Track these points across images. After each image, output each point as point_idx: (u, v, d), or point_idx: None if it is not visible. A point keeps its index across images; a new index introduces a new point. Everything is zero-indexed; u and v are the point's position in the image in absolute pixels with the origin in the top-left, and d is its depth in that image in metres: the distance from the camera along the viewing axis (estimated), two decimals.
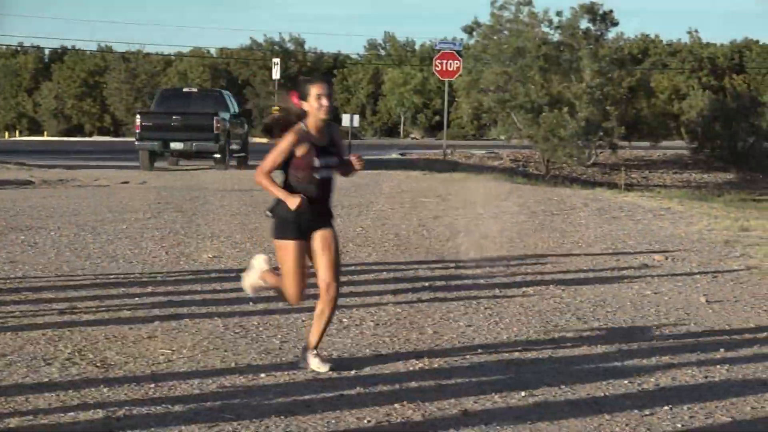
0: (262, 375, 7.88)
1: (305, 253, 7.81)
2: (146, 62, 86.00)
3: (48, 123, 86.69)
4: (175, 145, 35.23)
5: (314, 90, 7.61)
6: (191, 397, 7.28)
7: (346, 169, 8.19)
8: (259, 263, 8.36)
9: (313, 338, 7.93)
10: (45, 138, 73.69)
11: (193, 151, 35.69)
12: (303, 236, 7.75)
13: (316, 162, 7.60)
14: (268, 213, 7.97)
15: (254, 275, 8.34)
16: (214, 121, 35.40)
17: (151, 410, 6.95)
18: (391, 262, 13.54)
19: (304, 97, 7.67)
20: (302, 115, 7.70)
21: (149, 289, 11.31)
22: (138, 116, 36.26)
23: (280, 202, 7.69)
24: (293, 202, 7.47)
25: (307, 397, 7.31)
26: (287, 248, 7.74)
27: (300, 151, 7.53)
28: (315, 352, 7.88)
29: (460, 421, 6.82)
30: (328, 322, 8.07)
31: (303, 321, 9.69)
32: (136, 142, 35.54)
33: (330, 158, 7.75)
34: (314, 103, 7.58)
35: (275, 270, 8.34)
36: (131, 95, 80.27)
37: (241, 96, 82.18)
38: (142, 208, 19.65)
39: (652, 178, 42.97)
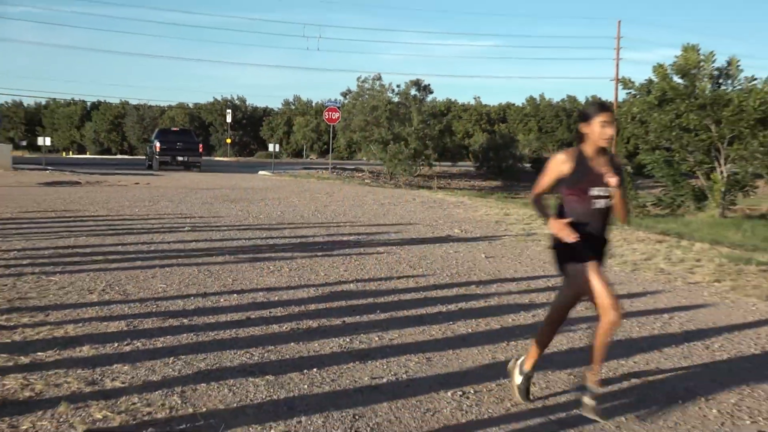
0: (222, 300, 7.78)
1: None
2: (149, 110, 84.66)
3: (89, 147, 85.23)
4: (180, 159, 38.25)
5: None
6: (179, 312, 7.17)
7: None
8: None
9: None
10: (87, 156, 71.99)
11: (190, 162, 38.40)
12: None
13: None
14: None
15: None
16: (200, 147, 40.20)
17: (154, 320, 6.86)
18: (300, 234, 13.45)
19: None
20: None
21: (152, 248, 11.08)
22: (158, 142, 38.48)
23: None
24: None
25: (249, 312, 7.25)
26: None
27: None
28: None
29: (341, 329, 6.82)
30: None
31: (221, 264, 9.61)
32: (157, 156, 38.04)
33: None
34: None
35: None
36: (140, 131, 79.31)
37: (207, 132, 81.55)
38: (147, 199, 19.27)
39: (453, 183, 43.32)
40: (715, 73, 32.57)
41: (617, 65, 57.48)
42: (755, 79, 32.00)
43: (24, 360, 5.60)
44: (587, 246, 4.69)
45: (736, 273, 10.31)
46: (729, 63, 32.70)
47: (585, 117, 4.75)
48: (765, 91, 31.09)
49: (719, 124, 30.95)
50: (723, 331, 7.20)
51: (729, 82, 32.61)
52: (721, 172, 31.04)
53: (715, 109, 30.96)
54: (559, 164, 4.76)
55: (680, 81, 32.63)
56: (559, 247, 4.81)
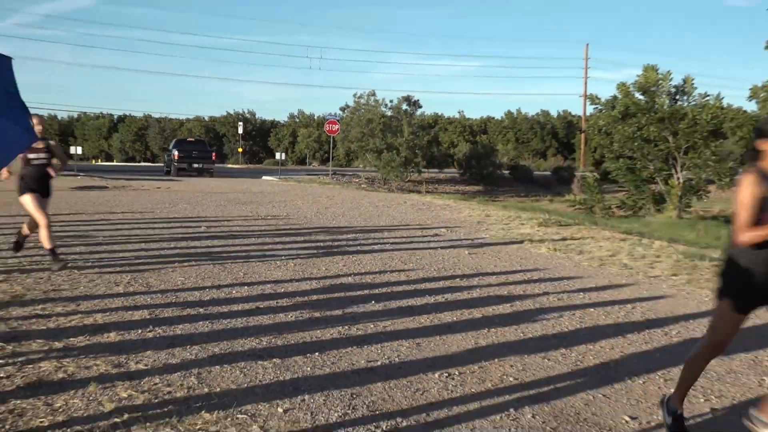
0: (234, 291, 7.77)
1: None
2: (169, 123, 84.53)
3: (116, 155, 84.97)
4: (195, 165, 37.67)
5: None
6: (196, 302, 7.16)
7: None
8: None
9: None
10: (114, 163, 71.85)
11: (204, 168, 37.84)
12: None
13: None
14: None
15: None
16: (213, 155, 39.71)
17: (174, 309, 6.84)
18: (303, 233, 13.44)
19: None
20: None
21: (172, 245, 11.06)
22: (176, 151, 38.11)
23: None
24: None
25: (258, 302, 7.24)
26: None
27: None
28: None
29: (340, 317, 6.82)
30: None
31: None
32: (175, 163, 37.43)
33: None
34: None
35: None
36: (161, 141, 79.10)
37: (221, 142, 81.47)
38: (168, 202, 19.22)
39: (440, 188, 43.15)
40: (672, 90, 32.74)
41: (585, 83, 57.78)
42: (707, 95, 32.29)
43: (57, 345, 5.59)
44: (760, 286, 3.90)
45: (692, 268, 10.34)
46: (684, 81, 32.85)
47: (763, 133, 3.91)
48: (716, 106, 31.48)
49: (676, 136, 31.12)
50: (680, 320, 7.22)
51: (684, 98, 32.77)
52: (678, 178, 31.13)
53: (672, 123, 31.15)
54: (754, 188, 3.79)
55: (641, 97, 32.80)
56: (729, 278, 4.04)
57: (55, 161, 9.26)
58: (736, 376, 5.49)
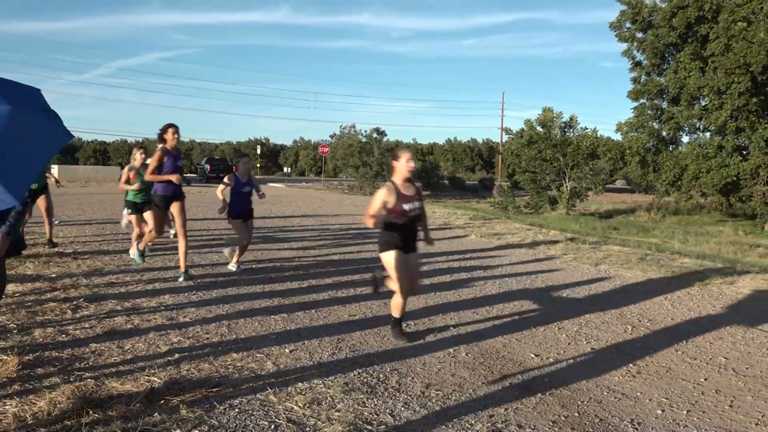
0: (253, 266, 7.65)
1: None
2: (208, 145, 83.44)
3: None
4: (220, 175, 36.28)
5: None
6: (226, 273, 7.04)
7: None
8: None
9: None
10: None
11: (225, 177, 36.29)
12: None
13: None
14: None
15: None
16: (233, 168, 36.67)
17: (210, 279, 6.74)
18: (303, 224, 13.32)
19: None
20: None
21: (209, 233, 10.88)
22: (207, 165, 37.87)
23: None
24: None
25: (271, 274, 7.13)
26: None
27: None
28: None
29: (330, 284, 6.76)
30: None
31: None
32: (207, 173, 36.99)
33: None
34: None
35: None
36: (202, 158, 78.06)
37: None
38: (204, 202, 18.95)
39: None
40: (563, 125, 33.33)
41: (502, 119, 57.78)
42: (586, 128, 33.15)
43: (127, 304, 5.49)
44: None
45: (576, 249, 10.43)
46: (571, 119, 33.53)
47: None
48: (593, 136, 32.26)
49: (565, 157, 31.62)
50: (569, 286, 7.27)
51: (571, 130, 33.37)
52: (566, 187, 31.55)
53: (563, 148, 31.69)
54: None
55: (541, 129, 33.29)
56: None
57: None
58: (608, 325, 5.55)
